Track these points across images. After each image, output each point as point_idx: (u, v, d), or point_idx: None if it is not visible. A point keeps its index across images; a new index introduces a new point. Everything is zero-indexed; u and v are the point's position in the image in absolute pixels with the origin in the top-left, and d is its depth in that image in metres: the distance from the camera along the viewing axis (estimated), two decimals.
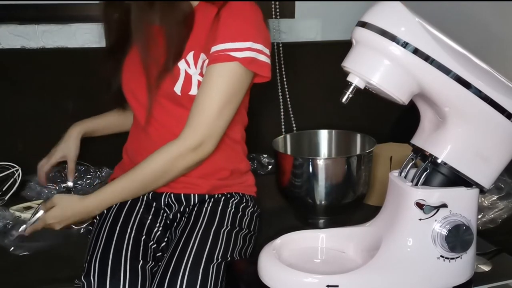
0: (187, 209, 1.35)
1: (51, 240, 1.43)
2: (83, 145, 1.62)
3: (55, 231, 1.46)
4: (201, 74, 1.30)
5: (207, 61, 1.29)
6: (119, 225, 1.25)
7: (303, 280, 0.95)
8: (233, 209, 1.32)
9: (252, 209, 1.38)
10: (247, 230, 1.31)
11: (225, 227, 1.25)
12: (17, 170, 1.70)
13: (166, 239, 1.31)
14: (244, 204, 1.37)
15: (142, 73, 1.32)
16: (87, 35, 1.92)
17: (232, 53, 1.24)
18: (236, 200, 1.36)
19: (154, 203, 1.36)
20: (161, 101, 1.34)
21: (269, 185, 1.50)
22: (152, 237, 1.27)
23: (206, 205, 1.32)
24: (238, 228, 1.28)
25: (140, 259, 1.18)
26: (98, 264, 1.15)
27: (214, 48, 1.26)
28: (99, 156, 1.77)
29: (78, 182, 1.72)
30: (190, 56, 1.30)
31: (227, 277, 1.13)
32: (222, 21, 1.27)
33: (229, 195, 1.36)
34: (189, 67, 1.30)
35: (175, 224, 1.34)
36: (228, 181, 1.38)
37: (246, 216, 1.34)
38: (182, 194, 1.35)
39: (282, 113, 1.93)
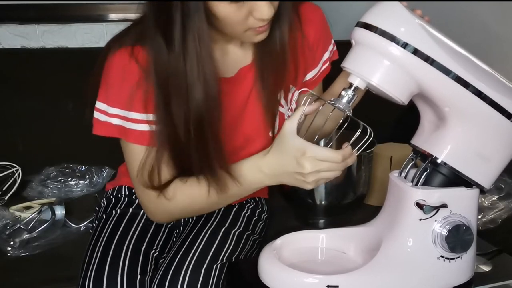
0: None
1: (51, 240, 1.43)
2: (83, 145, 1.61)
3: (54, 230, 1.47)
4: (290, 109, 1.21)
5: (297, 92, 1.22)
6: (117, 234, 1.16)
7: (303, 280, 0.95)
8: (248, 213, 1.30)
9: (266, 214, 1.37)
10: (258, 236, 1.29)
11: (236, 228, 1.21)
12: (17, 170, 1.70)
13: (171, 243, 1.24)
14: (260, 209, 1.35)
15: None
16: (87, 35, 1.92)
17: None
18: (252, 205, 1.34)
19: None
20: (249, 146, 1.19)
21: (269, 185, 1.49)
22: (155, 245, 1.18)
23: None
24: (250, 231, 1.25)
25: (138, 273, 1.09)
26: (93, 283, 1.07)
27: (324, 57, 1.24)
28: (99, 156, 1.77)
29: (80, 182, 1.73)
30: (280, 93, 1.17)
31: (227, 278, 1.13)
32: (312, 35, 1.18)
33: (245, 201, 1.34)
34: (281, 106, 1.18)
35: (183, 224, 1.30)
36: None
37: (261, 221, 1.33)
38: None
39: None
